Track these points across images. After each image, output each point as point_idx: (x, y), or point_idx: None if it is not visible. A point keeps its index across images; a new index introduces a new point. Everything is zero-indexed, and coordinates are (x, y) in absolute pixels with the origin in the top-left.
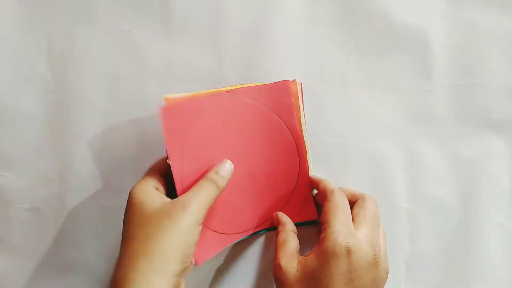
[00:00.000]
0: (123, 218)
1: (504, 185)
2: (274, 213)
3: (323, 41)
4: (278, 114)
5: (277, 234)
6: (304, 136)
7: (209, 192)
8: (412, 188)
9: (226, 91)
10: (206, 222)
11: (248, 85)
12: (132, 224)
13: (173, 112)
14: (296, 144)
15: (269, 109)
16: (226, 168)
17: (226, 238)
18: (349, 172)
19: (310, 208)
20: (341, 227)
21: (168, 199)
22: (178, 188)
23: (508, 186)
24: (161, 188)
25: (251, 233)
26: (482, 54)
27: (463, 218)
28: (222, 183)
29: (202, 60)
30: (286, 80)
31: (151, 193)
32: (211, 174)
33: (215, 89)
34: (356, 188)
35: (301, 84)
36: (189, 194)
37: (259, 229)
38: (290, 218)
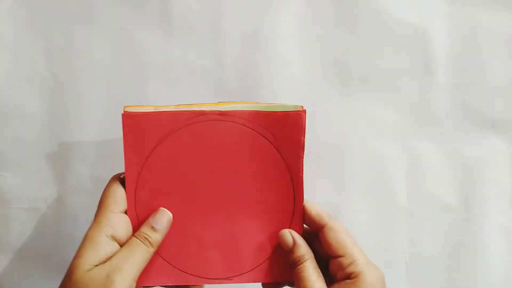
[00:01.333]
0: None
1: (505, 185)
2: (282, 232)
3: (323, 41)
4: (279, 150)
5: (295, 263)
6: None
7: (141, 254)
8: (412, 188)
9: (219, 112)
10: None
11: (248, 104)
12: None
13: (138, 121)
14: (294, 190)
15: (270, 142)
16: (162, 220)
17: (181, 276)
18: (349, 172)
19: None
20: (365, 258)
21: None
22: (130, 209)
23: (509, 186)
24: (118, 228)
25: (219, 283)
26: (483, 54)
27: (463, 218)
28: (157, 238)
29: (202, 60)
30: (299, 112)
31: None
32: (144, 230)
33: (207, 103)
34: (356, 188)
35: (305, 111)
36: (118, 259)
37: (232, 282)
38: (266, 276)
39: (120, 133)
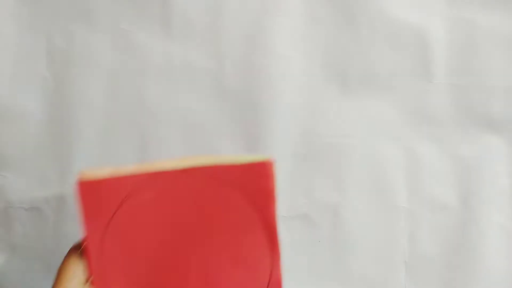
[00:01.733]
0: None
1: (504, 185)
2: None
3: (323, 41)
4: (251, 203)
5: None
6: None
7: None
8: (412, 188)
9: (181, 170)
10: None
11: (213, 158)
12: None
13: (95, 188)
14: (269, 245)
15: (241, 195)
16: None
17: None
18: (348, 172)
19: None
20: None
21: None
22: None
23: (508, 186)
24: None
25: None
26: (483, 54)
27: (463, 218)
28: None
29: (202, 60)
30: (266, 161)
31: None
32: None
33: (171, 160)
34: (355, 187)
35: (272, 163)
36: None
37: None
38: None
39: (120, 133)
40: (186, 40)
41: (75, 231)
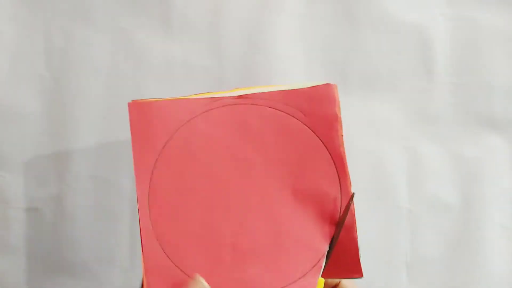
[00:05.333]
0: (120, 220)
1: (505, 185)
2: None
3: (323, 40)
4: (314, 129)
5: None
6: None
7: None
8: (412, 188)
9: (237, 96)
10: (173, 255)
11: (269, 87)
12: None
13: (146, 112)
14: (338, 172)
15: (300, 121)
16: None
17: None
18: (349, 172)
19: (354, 263)
20: None
21: None
22: (143, 220)
23: (509, 186)
24: None
25: None
26: (484, 53)
27: (464, 218)
28: None
29: (202, 60)
30: (329, 84)
31: None
32: None
33: (223, 91)
34: (356, 187)
35: (336, 85)
36: None
37: None
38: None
39: (119, 134)
40: (186, 40)
41: (74, 231)
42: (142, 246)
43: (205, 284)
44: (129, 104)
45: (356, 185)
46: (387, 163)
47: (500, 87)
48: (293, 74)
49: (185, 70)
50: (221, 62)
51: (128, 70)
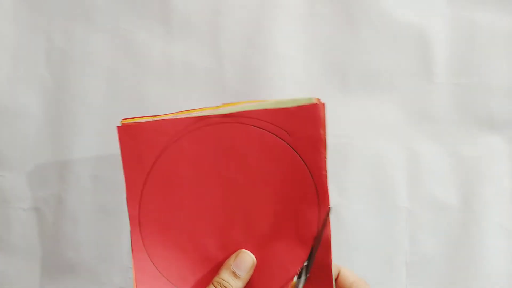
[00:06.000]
0: (120, 220)
1: (505, 185)
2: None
3: (323, 40)
4: (297, 150)
5: None
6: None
7: None
8: (412, 188)
9: (223, 115)
10: (162, 267)
11: (254, 102)
12: None
13: (135, 133)
14: (318, 195)
15: (284, 141)
16: (245, 264)
17: None
18: (349, 172)
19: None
20: None
21: None
22: (134, 234)
23: (509, 186)
24: None
25: None
26: (483, 54)
27: (463, 218)
28: (238, 286)
29: (202, 60)
30: (315, 104)
31: None
32: (224, 275)
33: (209, 107)
34: (356, 187)
35: (324, 105)
36: None
37: None
38: None
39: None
40: (186, 40)
41: (74, 231)
42: (133, 259)
43: (253, 256)
44: (118, 128)
45: (356, 185)
46: (386, 163)
47: (500, 87)
48: (293, 74)
49: (185, 70)
50: (221, 62)
51: (128, 70)
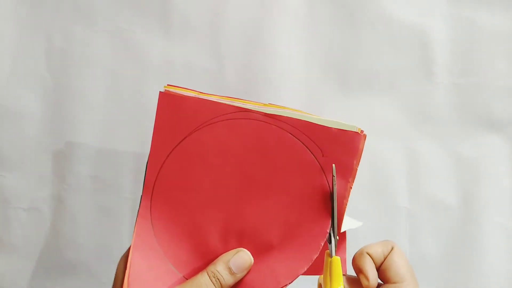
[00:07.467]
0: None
1: (505, 185)
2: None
3: (323, 40)
4: (324, 169)
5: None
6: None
7: None
8: (412, 188)
9: (265, 114)
10: (162, 241)
11: (299, 112)
12: None
13: (175, 103)
14: (333, 219)
15: (316, 158)
16: (243, 264)
17: None
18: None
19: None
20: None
21: None
22: (144, 201)
23: (509, 186)
24: None
25: None
26: (483, 54)
27: (463, 218)
28: (229, 282)
29: (202, 60)
30: (358, 133)
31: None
32: (219, 268)
33: (254, 102)
34: (356, 188)
35: (365, 136)
36: None
37: None
38: None
39: (120, 134)
40: (186, 40)
41: (74, 231)
42: (136, 223)
43: (251, 257)
44: (160, 93)
45: (356, 185)
46: (386, 163)
47: (500, 87)
48: (293, 74)
49: (185, 70)
50: (221, 62)
51: (128, 69)
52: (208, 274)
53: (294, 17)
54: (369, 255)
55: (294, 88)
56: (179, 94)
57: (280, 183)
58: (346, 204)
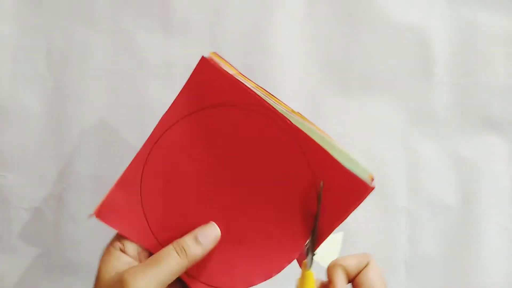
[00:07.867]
0: None
1: (504, 184)
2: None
3: (323, 41)
4: (324, 204)
5: None
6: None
7: (170, 265)
8: (412, 188)
9: (289, 123)
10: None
11: (322, 133)
12: None
13: (210, 74)
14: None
15: (315, 189)
16: (209, 234)
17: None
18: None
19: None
20: None
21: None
22: (148, 144)
23: (508, 186)
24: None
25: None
26: (483, 54)
27: (463, 218)
28: (196, 252)
29: None
30: (367, 185)
31: (111, 259)
32: (186, 238)
33: (285, 105)
34: None
35: (373, 189)
36: (140, 266)
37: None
38: None
39: (120, 133)
40: (186, 40)
41: (75, 231)
42: (129, 164)
43: (219, 231)
44: (202, 58)
45: None
46: (386, 163)
47: (499, 88)
48: (293, 74)
49: (185, 70)
50: None
51: (128, 70)
52: (173, 246)
53: (294, 17)
54: (343, 267)
55: (293, 88)
56: (218, 66)
57: (270, 191)
58: (329, 235)
